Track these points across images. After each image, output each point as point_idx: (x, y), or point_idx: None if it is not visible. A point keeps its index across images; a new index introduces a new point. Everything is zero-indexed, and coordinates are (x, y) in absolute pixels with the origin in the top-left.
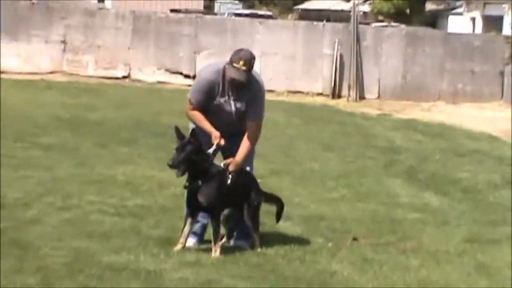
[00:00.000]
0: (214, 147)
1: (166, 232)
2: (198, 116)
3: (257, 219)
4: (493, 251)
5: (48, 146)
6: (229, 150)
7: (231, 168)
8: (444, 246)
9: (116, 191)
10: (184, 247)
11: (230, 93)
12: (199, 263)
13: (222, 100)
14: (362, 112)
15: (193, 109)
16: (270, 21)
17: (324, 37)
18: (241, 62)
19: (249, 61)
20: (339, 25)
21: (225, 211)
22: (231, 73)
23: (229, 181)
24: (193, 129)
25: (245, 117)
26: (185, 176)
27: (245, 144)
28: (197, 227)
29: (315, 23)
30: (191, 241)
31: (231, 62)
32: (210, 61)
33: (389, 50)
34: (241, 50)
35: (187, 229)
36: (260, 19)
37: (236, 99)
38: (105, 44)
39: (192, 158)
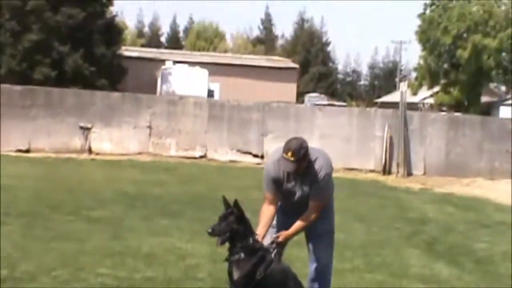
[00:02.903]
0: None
1: None
2: (264, 213)
3: None
4: None
5: (96, 219)
6: None
7: (280, 238)
8: None
9: (131, 263)
10: None
11: (295, 179)
12: None
13: (289, 185)
14: (406, 187)
15: (270, 201)
16: (328, 108)
17: (376, 122)
18: (289, 153)
19: (297, 150)
20: (389, 111)
21: None
22: (281, 165)
23: (272, 258)
24: (236, 200)
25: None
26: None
27: (300, 221)
28: None
29: (367, 109)
30: None
31: (282, 152)
32: (275, 143)
33: (433, 132)
34: (292, 139)
35: None
36: (319, 106)
37: (302, 183)
38: (185, 128)
39: (233, 227)
